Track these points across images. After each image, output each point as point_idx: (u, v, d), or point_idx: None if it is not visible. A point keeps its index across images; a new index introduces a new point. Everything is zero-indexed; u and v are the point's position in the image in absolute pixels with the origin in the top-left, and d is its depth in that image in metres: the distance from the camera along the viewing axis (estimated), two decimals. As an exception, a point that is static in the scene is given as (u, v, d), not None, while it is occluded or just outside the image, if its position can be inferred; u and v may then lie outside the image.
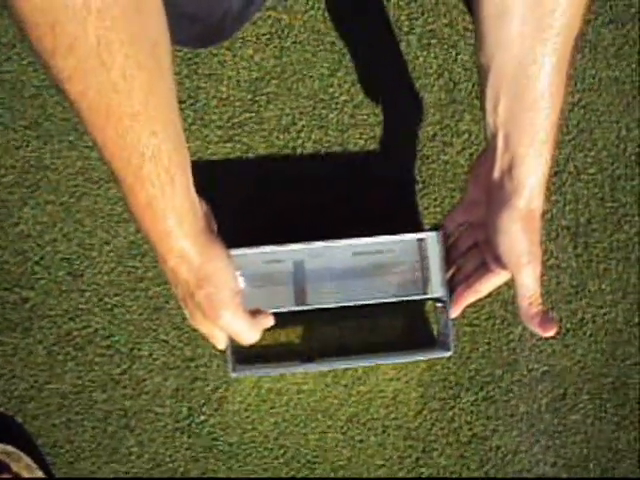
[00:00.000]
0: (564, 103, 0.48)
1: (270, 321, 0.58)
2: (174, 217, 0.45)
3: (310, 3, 0.72)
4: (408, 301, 0.64)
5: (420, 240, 0.64)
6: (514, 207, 0.50)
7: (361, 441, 0.69)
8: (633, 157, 0.73)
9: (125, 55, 0.37)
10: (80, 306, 0.69)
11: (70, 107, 0.39)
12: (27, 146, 0.70)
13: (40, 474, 0.67)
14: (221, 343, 0.57)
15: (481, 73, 0.49)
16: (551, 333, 0.53)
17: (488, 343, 0.71)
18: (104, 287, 0.69)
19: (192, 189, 0.46)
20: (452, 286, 0.61)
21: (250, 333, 0.54)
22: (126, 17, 0.36)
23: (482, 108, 0.51)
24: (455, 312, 0.62)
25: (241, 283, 0.62)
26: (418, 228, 0.64)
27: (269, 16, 0.72)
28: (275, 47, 0.72)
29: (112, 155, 0.41)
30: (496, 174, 0.51)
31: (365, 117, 0.72)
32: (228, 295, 0.50)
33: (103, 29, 0.35)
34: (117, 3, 0.35)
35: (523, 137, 0.48)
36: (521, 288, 0.53)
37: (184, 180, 0.44)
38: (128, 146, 0.40)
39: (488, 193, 0.53)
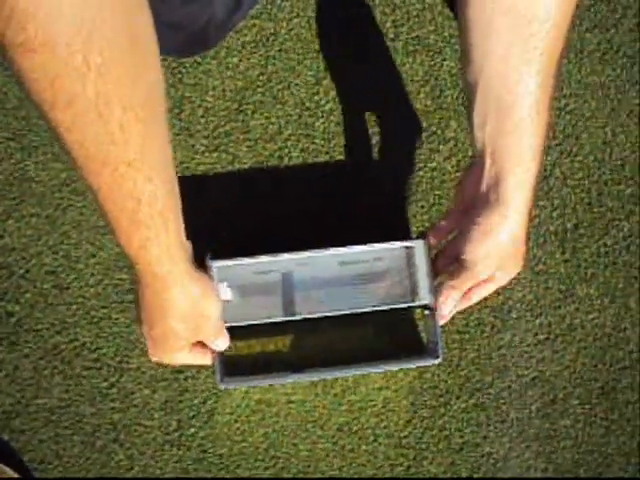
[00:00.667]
0: (551, 118, 0.49)
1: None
2: (167, 259, 0.46)
3: (295, 11, 0.72)
4: (397, 309, 0.64)
5: (407, 248, 0.64)
6: (495, 222, 0.51)
7: (352, 450, 0.69)
8: (619, 162, 0.73)
9: (123, 108, 0.37)
10: (67, 319, 0.69)
11: (65, 154, 0.40)
12: (11, 158, 0.69)
13: (28, 489, 0.66)
14: (207, 360, 0.58)
15: (468, 89, 0.50)
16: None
17: (477, 350, 0.71)
18: (91, 300, 0.69)
19: (183, 230, 0.47)
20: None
21: (225, 344, 0.59)
22: (124, 72, 0.36)
23: (469, 121, 0.51)
24: (443, 320, 0.62)
25: (228, 294, 0.62)
26: (405, 236, 0.64)
27: (254, 24, 0.72)
28: (260, 55, 0.71)
29: (106, 200, 0.42)
30: (483, 187, 0.51)
31: (351, 125, 0.72)
32: (218, 323, 0.55)
33: (102, 84, 0.36)
34: (116, 59, 0.36)
35: (510, 155, 0.49)
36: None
37: (177, 222, 0.46)
38: (124, 192, 0.41)
39: (473, 204, 0.53)
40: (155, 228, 0.43)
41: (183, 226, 0.47)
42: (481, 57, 0.47)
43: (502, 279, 0.56)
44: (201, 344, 0.57)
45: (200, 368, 0.68)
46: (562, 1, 0.45)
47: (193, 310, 0.51)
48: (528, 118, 0.47)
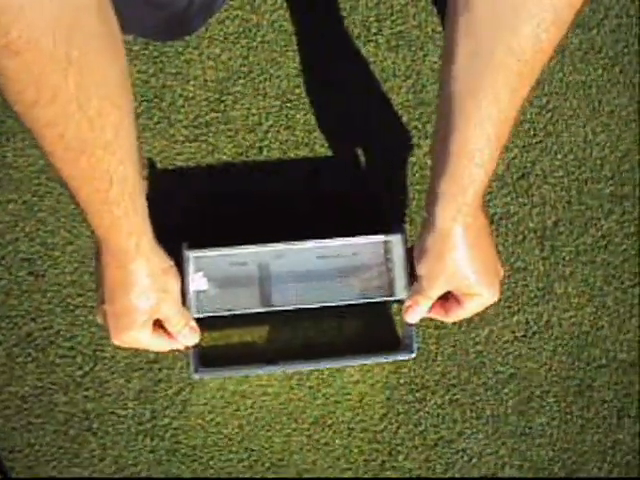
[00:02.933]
0: (501, 152, 0.49)
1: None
2: (134, 234, 0.49)
3: (278, 2, 0.72)
4: (373, 303, 0.64)
5: (385, 242, 0.64)
6: (428, 241, 0.53)
7: (326, 444, 0.69)
8: (599, 161, 0.73)
9: (100, 96, 0.40)
10: (42, 307, 0.68)
11: (41, 147, 0.41)
12: (-11, 144, 0.69)
13: (-1, 478, 0.65)
14: (170, 345, 0.59)
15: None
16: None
17: (454, 346, 0.71)
18: (66, 287, 0.68)
19: (147, 208, 0.50)
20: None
21: (195, 339, 0.60)
22: (100, 62, 0.39)
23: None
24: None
25: (204, 284, 0.62)
26: (384, 230, 0.64)
27: (237, 15, 0.72)
28: (242, 46, 0.71)
29: (81, 184, 0.44)
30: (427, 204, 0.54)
31: (332, 118, 0.72)
32: (178, 302, 0.57)
33: (81, 76, 0.38)
34: (93, 50, 0.38)
35: (444, 178, 0.50)
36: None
37: (142, 201, 0.48)
38: (98, 175, 0.43)
39: None
40: (125, 206, 0.46)
41: (146, 204, 0.49)
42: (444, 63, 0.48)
43: (472, 304, 0.57)
44: (164, 328, 0.57)
45: (169, 354, 0.67)
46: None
47: (153, 284, 0.53)
48: (470, 149, 0.48)
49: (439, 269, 0.54)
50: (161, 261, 0.54)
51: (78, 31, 0.36)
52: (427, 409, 0.70)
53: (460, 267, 0.53)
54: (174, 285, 0.56)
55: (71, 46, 0.36)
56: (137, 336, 0.55)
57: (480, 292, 0.55)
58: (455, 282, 0.54)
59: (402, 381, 0.70)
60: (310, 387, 0.69)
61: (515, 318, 0.71)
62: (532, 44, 0.43)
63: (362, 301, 0.63)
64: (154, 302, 0.54)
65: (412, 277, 0.61)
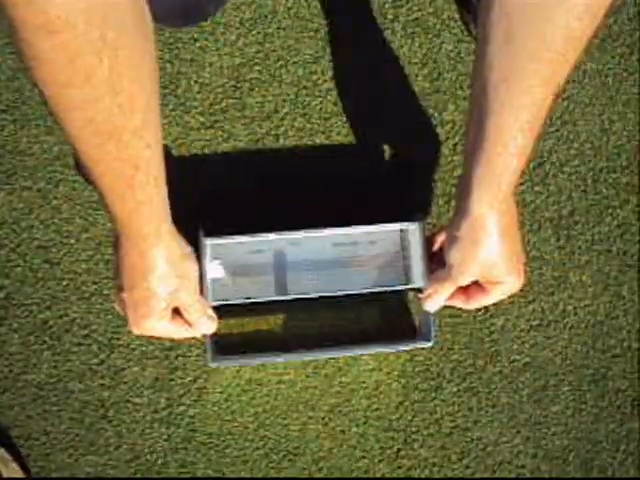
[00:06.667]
0: (537, 141, 0.49)
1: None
2: (156, 219, 0.49)
3: (294, -11, 0.71)
4: (389, 291, 0.63)
5: (402, 230, 0.63)
6: (464, 230, 0.53)
7: (342, 432, 0.69)
8: (615, 150, 0.73)
9: (131, 79, 0.40)
10: (57, 294, 0.68)
11: (68, 131, 0.41)
12: (3, 130, 0.69)
13: (14, 466, 0.65)
14: (189, 333, 0.58)
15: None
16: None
17: (470, 334, 0.70)
18: (82, 275, 0.68)
19: (167, 195, 0.50)
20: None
21: (212, 327, 0.59)
22: (132, 45, 0.39)
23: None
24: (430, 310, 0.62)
25: (220, 272, 0.62)
26: (400, 218, 0.64)
27: (252, 1, 0.71)
28: (258, 33, 0.71)
29: (106, 169, 0.44)
30: (461, 194, 0.53)
31: (348, 105, 0.71)
32: (197, 289, 0.56)
33: (114, 57, 0.38)
34: (126, 32, 0.38)
35: (480, 170, 0.50)
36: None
37: (165, 186, 0.48)
38: (124, 159, 0.43)
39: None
40: (149, 191, 0.46)
41: (167, 190, 0.49)
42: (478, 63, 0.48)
43: (497, 292, 0.56)
44: (182, 316, 0.57)
45: (185, 342, 0.67)
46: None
47: (173, 270, 0.52)
48: (502, 144, 0.48)
49: (473, 256, 0.53)
50: (180, 247, 0.54)
51: (113, 13, 0.36)
52: (443, 397, 0.70)
53: (493, 255, 0.53)
54: (193, 272, 0.56)
55: (106, 28, 0.36)
56: (156, 324, 0.54)
57: (506, 280, 0.55)
58: (485, 270, 0.54)
59: (418, 369, 0.70)
60: (326, 375, 0.69)
61: (530, 307, 0.71)
62: (563, 32, 0.43)
63: (378, 289, 0.63)
64: (173, 289, 0.53)
65: (430, 265, 0.61)
